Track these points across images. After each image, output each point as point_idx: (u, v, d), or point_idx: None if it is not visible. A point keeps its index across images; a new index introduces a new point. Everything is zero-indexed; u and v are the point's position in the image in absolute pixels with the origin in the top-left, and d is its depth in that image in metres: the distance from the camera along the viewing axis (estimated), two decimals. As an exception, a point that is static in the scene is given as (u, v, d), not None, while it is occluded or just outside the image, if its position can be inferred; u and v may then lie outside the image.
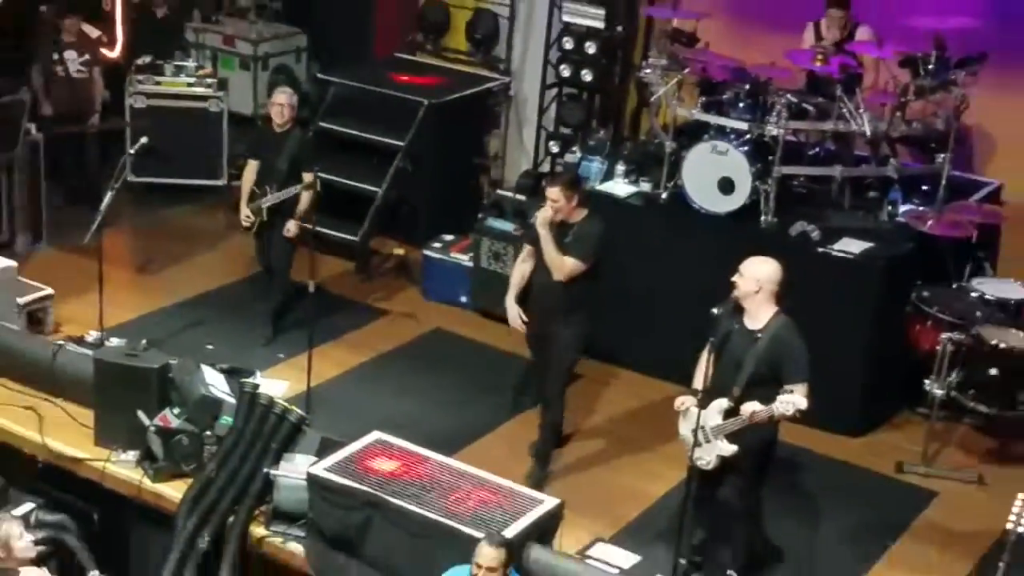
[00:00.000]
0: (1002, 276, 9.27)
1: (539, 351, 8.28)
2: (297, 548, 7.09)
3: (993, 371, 8.35)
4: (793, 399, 6.57)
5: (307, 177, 9.38)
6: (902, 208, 9.25)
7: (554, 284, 7.88)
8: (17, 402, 8.20)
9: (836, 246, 8.87)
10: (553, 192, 7.79)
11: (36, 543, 6.55)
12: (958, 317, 8.56)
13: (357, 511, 6.78)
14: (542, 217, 7.84)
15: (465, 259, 10.29)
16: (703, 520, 7.29)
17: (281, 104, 9.56)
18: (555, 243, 7.76)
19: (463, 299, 10.27)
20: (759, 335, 6.83)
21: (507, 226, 10.02)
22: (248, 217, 9.48)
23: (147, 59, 11.63)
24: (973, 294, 8.84)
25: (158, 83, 11.46)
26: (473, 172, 11.74)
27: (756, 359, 6.79)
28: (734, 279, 6.86)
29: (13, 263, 9.03)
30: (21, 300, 8.95)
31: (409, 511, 6.64)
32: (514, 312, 8.13)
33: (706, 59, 9.68)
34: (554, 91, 11.57)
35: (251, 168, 9.64)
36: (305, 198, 9.29)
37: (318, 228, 9.47)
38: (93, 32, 11.42)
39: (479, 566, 5.91)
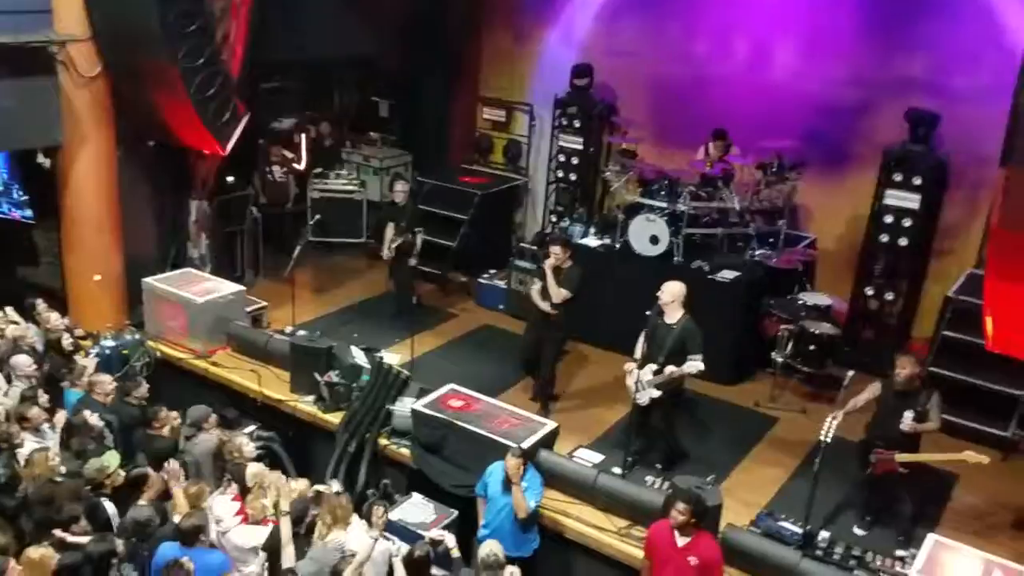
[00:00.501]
0: (817, 291, 9.24)
1: (536, 346, 8.08)
2: (406, 451, 7.17)
3: (812, 347, 8.37)
4: (696, 364, 6.68)
5: (418, 233, 9.55)
6: (757, 252, 9.21)
7: (549, 309, 7.78)
8: (246, 367, 8.34)
9: (719, 275, 8.83)
10: (555, 248, 7.74)
11: (256, 449, 6.70)
12: (790, 315, 8.59)
13: (440, 430, 6.88)
14: (549, 264, 7.76)
15: (502, 283, 10.25)
16: (641, 435, 7.32)
17: (400, 190, 9.73)
18: (555, 280, 7.73)
19: (501, 307, 10.20)
20: (674, 327, 6.89)
21: (527, 264, 9.93)
22: (387, 254, 9.56)
23: (319, 170, 11.66)
24: (799, 301, 8.81)
25: (326, 183, 11.45)
26: (507, 233, 11.68)
27: (672, 341, 6.85)
28: (659, 294, 6.94)
29: (243, 288, 9.07)
30: (248, 309, 9.02)
31: (469, 430, 6.75)
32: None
33: (642, 166, 9.69)
34: (554, 185, 11.51)
35: (389, 227, 9.68)
36: (417, 244, 9.50)
37: (420, 266, 9.58)
38: (289, 154, 11.48)
39: (510, 466, 6.00)
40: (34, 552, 5.06)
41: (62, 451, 6.40)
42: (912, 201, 8.63)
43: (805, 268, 9.26)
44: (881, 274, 8.98)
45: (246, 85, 9.07)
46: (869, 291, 9.06)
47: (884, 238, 8.84)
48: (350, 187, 11.51)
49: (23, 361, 7.19)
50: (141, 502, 5.80)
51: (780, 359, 8.45)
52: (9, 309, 8.16)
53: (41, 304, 8.33)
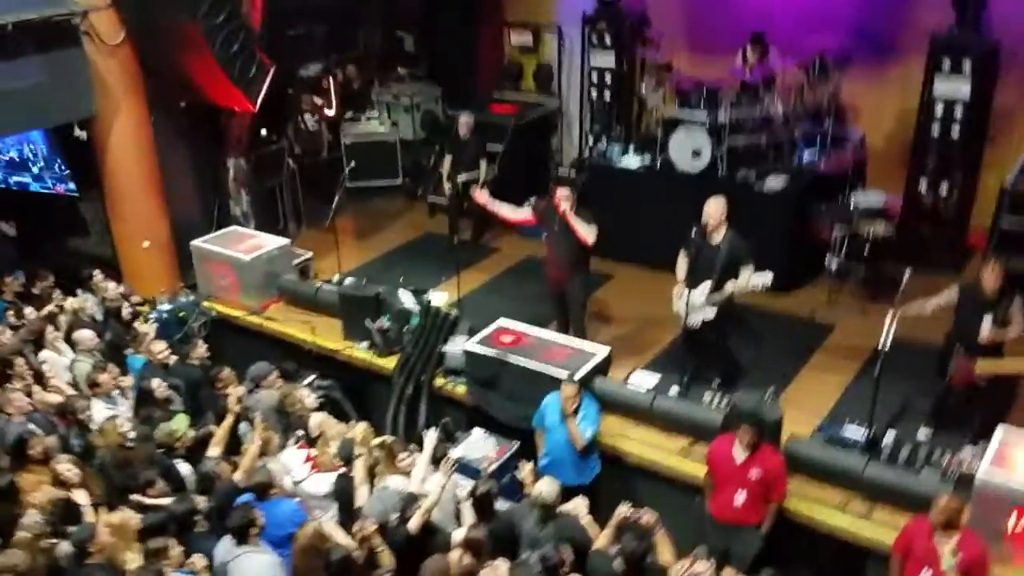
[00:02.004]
0: (869, 190, 8.97)
1: (560, 295, 7.62)
2: (461, 389, 7.27)
3: (866, 248, 8.19)
4: (764, 277, 6.51)
5: (483, 164, 9.55)
6: (805, 156, 8.98)
7: (566, 253, 7.27)
8: (299, 319, 8.46)
9: (766, 185, 8.66)
10: (565, 191, 7.25)
11: (317, 399, 6.83)
12: (843, 218, 8.41)
13: (493, 366, 6.93)
14: (567, 209, 7.13)
15: None
16: (695, 354, 7.28)
17: (464, 122, 9.74)
18: (580, 220, 7.13)
19: (544, 236, 10.08)
20: (720, 245, 6.75)
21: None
22: (450, 189, 9.49)
23: (350, 114, 11.58)
24: (851, 203, 8.58)
25: (358, 127, 11.37)
26: (544, 160, 11.49)
27: (721, 259, 6.73)
28: (704, 217, 6.72)
29: (288, 240, 9.14)
30: (294, 262, 9.06)
31: (522, 364, 6.77)
32: None
33: (678, 78, 9.47)
34: (588, 106, 11.24)
35: (447, 160, 9.69)
36: (482, 178, 9.64)
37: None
38: (319, 101, 11.42)
39: (565, 395, 6.06)
40: (114, 516, 5.28)
41: (133, 418, 6.65)
42: (962, 89, 8.29)
43: (855, 168, 9.04)
44: (934, 167, 8.72)
45: (269, 36, 8.99)
46: (923, 186, 8.82)
47: (935, 130, 8.55)
48: (382, 129, 11.43)
49: (86, 336, 7.41)
50: (209, 454, 6.01)
51: (835, 264, 8.32)
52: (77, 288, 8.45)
53: (98, 274, 8.57)
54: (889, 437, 6.31)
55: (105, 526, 5.17)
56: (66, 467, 5.56)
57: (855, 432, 6.23)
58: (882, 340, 5.98)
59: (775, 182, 8.66)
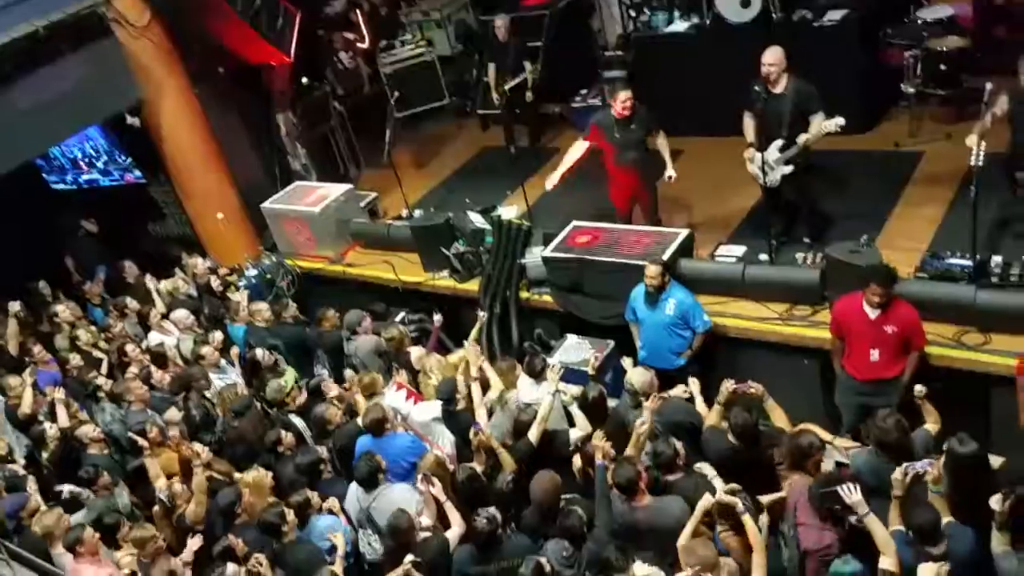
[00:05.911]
0: (936, 2, 8.33)
1: (630, 211, 7.45)
2: (547, 297, 7.27)
3: (942, 66, 7.66)
4: (836, 121, 6.19)
5: (528, 66, 9.34)
6: (864, -19, 8.39)
7: (637, 160, 7.03)
8: (379, 259, 8.52)
9: (825, 19, 8.14)
10: (623, 94, 6.90)
11: (411, 332, 7.00)
12: (911, 39, 7.87)
13: (574, 269, 6.88)
14: (618, 110, 6.87)
15: (597, 101, 9.59)
16: (779, 214, 7.03)
17: (501, 25, 9.46)
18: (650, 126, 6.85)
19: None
20: (785, 94, 6.43)
21: (617, 74, 9.38)
22: (498, 98, 9.29)
23: (384, 42, 11.28)
24: (918, 20, 8.04)
25: (395, 54, 11.07)
26: (588, 46, 10.92)
27: (789, 109, 6.42)
28: (764, 68, 6.38)
29: (350, 185, 9.17)
30: (361, 204, 9.09)
31: (602, 261, 6.71)
32: None
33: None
34: (624, -23, 10.65)
35: (491, 68, 9.50)
36: (530, 79, 9.34)
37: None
38: (350, 36, 11.19)
39: (648, 278, 5.99)
40: (247, 476, 5.57)
41: (248, 387, 6.94)
42: None
43: (919, -17, 8.39)
44: (1004, -41, 8.01)
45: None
46: (993, -18, 8.13)
47: (999, -83, 7.82)
48: (418, 50, 11.09)
49: (181, 315, 7.74)
50: (328, 402, 6.21)
51: (911, 89, 7.83)
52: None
53: (184, 254, 8.84)
54: (997, 258, 5.99)
55: (244, 487, 5.46)
56: (197, 448, 5.78)
57: (960, 261, 5.94)
58: (972, 160, 5.58)
59: (834, 14, 8.13)
